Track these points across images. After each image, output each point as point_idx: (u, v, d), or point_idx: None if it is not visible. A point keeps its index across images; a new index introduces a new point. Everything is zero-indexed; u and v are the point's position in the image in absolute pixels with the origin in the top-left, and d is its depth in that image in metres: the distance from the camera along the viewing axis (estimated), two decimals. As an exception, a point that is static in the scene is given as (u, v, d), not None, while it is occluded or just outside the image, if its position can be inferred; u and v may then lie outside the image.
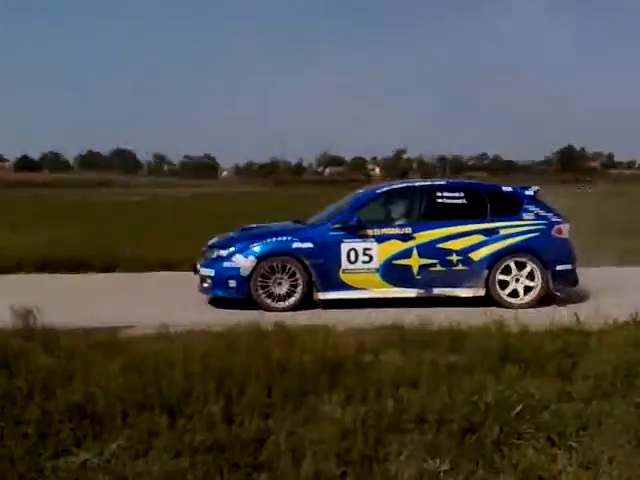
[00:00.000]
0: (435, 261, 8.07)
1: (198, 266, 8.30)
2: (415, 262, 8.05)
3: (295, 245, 7.99)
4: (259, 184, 76.65)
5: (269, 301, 7.91)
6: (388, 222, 8.43)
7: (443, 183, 8.86)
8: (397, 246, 8.07)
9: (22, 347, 5.32)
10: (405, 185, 9.01)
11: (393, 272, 8.04)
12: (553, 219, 8.47)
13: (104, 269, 11.11)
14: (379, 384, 4.45)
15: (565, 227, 8.47)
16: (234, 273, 7.88)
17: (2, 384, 4.48)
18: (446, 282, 8.11)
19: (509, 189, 8.77)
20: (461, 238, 8.15)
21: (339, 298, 8.00)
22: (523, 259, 8.18)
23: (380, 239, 8.07)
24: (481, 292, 8.14)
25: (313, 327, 6.09)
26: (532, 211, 8.48)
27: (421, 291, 8.11)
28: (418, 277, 8.05)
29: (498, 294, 8.12)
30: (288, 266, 7.91)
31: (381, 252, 8.03)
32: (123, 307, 7.75)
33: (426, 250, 8.05)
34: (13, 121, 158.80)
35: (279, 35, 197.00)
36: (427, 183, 8.74)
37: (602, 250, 11.31)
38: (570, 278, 8.34)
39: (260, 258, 7.90)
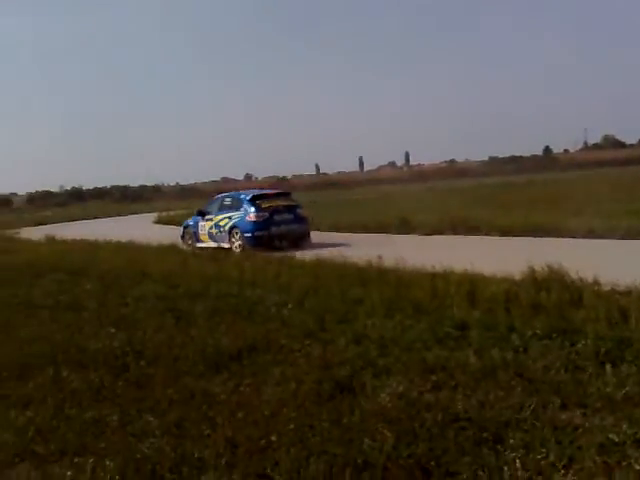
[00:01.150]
0: (218, 230, 17.51)
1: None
2: (213, 230, 17.68)
3: (187, 223, 19.52)
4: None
5: (189, 243, 18.51)
6: (209, 212, 18.28)
7: (227, 194, 19.18)
8: (210, 223, 17.93)
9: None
10: (216, 196, 19.52)
11: (210, 235, 17.86)
12: (250, 211, 16.81)
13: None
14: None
15: (254, 215, 16.69)
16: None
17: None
18: (222, 240, 17.28)
19: (238, 194, 18.38)
20: (224, 219, 17.37)
21: (201, 247, 17.67)
22: (237, 229, 16.82)
23: (208, 220, 18.09)
24: (228, 245, 16.86)
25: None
26: (245, 207, 17.03)
27: (216, 244, 17.44)
28: (215, 237, 17.61)
29: (233, 244, 16.76)
30: (188, 231, 18.94)
31: (207, 225, 18.01)
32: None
33: (216, 225, 17.60)
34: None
35: None
36: (221, 195, 19.26)
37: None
38: (258, 240, 16.33)
39: (184, 227, 19.48)
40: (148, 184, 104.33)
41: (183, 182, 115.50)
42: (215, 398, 4.67)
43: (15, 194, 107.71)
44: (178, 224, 31.02)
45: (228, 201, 17.92)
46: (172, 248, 16.24)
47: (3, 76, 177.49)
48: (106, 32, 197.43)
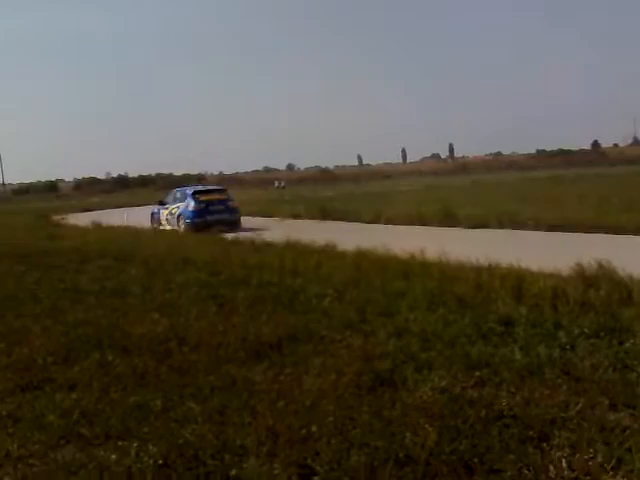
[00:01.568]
0: (171, 216, 22.22)
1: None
2: (169, 217, 22.44)
3: (153, 210, 24.30)
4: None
5: (155, 226, 23.30)
6: (167, 203, 23.18)
7: (178, 189, 23.92)
8: (166, 211, 22.80)
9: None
10: (172, 190, 24.29)
11: (167, 220, 22.55)
12: (190, 202, 21.49)
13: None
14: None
15: (193, 206, 21.39)
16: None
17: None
18: (173, 224, 21.93)
19: (185, 189, 23.12)
20: (174, 208, 22.23)
21: (162, 229, 22.07)
22: (182, 216, 21.67)
23: (165, 208, 22.98)
24: (177, 227, 21.52)
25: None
26: (188, 199, 21.79)
27: (170, 227, 21.93)
28: (169, 222, 22.28)
29: (180, 227, 21.22)
30: (154, 217, 23.91)
31: (165, 213, 22.90)
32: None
33: (170, 213, 22.31)
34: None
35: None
36: (175, 189, 24.19)
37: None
38: (196, 225, 20.65)
39: (151, 214, 24.28)
40: (192, 173, 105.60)
41: (226, 171, 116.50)
42: (256, 386, 4.68)
43: (62, 180, 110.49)
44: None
45: (178, 195, 22.84)
46: (214, 236, 16.39)
47: (53, 65, 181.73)
48: (168, 23, 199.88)
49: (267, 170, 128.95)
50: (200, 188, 24.50)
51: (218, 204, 21.93)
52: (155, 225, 23.26)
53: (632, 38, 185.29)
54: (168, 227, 22.14)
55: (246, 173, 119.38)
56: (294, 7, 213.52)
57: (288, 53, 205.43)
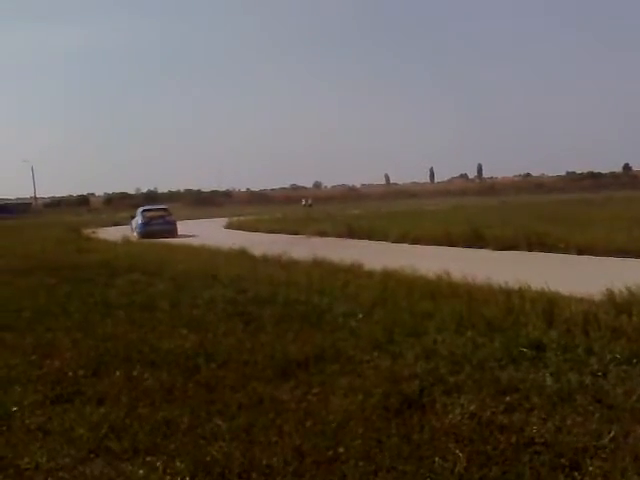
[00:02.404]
0: (133, 226, 32.18)
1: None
2: (133, 226, 32.12)
3: (130, 222, 33.59)
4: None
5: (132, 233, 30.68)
6: (134, 217, 32.94)
7: (141, 207, 34.07)
8: (132, 222, 32.70)
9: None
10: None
11: (132, 228, 31.76)
12: (139, 217, 31.84)
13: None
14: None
15: (140, 220, 31.45)
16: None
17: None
18: (135, 231, 30.82)
19: (138, 208, 34.21)
20: (134, 220, 32.70)
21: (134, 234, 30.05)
22: (135, 227, 31.85)
23: (133, 221, 32.81)
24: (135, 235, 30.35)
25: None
26: (138, 215, 32.71)
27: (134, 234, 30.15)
28: (133, 230, 31.21)
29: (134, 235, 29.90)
30: (130, 227, 32.64)
31: (132, 223, 32.71)
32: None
33: (133, 223, 32.45)
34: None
35: None
36: (139, 208, 33.89)
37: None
38: (142, 234, 29.44)
39: (130, 224, 33.43)
40: (219, 189, 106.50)
41: (253, 188, 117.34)
42: (283, 405, 4.67)
43: (93, 194, 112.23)
44: (248, 229, 31.79)
45: (138, 212, 32.74)
46: (241, 253, 16.47)
47: (83, 77, 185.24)
48: (190, 40, 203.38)
49: (294, 188, 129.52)
50: (147, 207, 34.64)
51: (159, 219, 31.94)
52: (132, 233, 30.70)
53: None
54: (134, 234, 30.11)
55: (273, 190, 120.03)
56: (328, 19, 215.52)
57: (315, 68, 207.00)
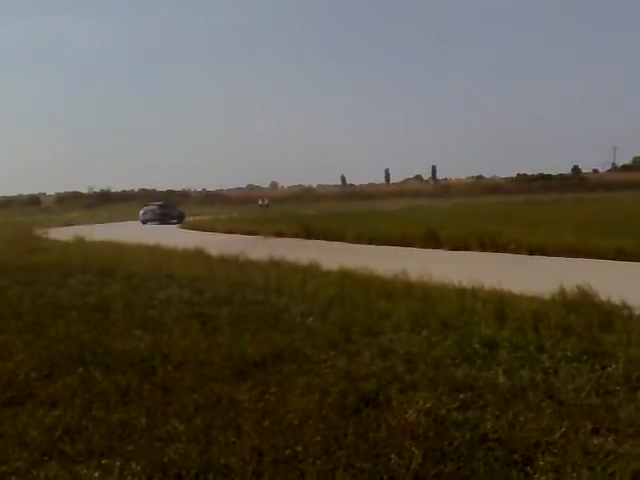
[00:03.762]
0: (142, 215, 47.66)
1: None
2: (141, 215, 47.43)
3: (139, 213, 47.03)
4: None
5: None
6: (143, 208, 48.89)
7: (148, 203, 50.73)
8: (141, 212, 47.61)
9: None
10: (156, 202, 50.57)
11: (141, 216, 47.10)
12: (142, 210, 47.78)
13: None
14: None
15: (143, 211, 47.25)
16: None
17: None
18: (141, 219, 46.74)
19: (146, 204, 50.45)
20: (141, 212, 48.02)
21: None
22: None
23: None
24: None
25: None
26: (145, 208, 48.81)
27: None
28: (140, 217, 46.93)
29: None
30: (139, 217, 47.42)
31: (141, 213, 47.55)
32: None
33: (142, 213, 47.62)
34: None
35: None
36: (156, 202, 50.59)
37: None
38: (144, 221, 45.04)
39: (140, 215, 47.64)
40: (175, 189, 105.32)
41: (210, 188, 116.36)
42: (241, 405, 4.66)
43: (44, 194, 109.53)
44: (204, 230, 31.51)
45: (144, 206, 47.40)
46: (198, 253, 16.34)
47: (36, 77, 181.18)
48: (147, 40, 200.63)
49: (251, 188, 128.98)
50: (150, 203, 49.08)
51: (158, 211, 45.75)
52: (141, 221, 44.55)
53: (613, 71, 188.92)
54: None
55: (230, 190, 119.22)
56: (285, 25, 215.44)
57: (273, 71, 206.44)
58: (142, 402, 4.79)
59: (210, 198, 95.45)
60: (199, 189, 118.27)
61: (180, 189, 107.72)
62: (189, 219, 43.04)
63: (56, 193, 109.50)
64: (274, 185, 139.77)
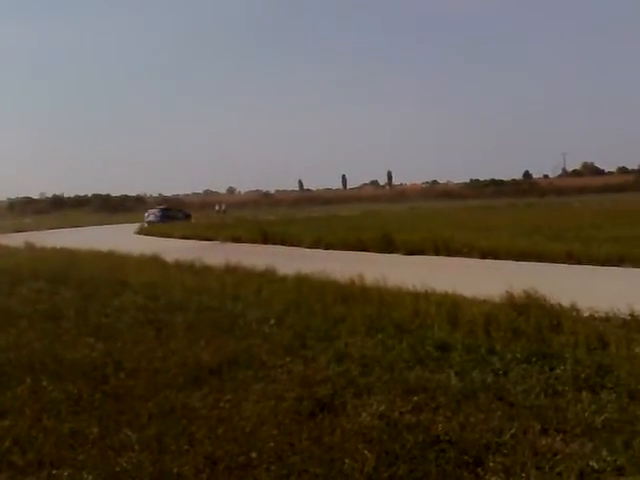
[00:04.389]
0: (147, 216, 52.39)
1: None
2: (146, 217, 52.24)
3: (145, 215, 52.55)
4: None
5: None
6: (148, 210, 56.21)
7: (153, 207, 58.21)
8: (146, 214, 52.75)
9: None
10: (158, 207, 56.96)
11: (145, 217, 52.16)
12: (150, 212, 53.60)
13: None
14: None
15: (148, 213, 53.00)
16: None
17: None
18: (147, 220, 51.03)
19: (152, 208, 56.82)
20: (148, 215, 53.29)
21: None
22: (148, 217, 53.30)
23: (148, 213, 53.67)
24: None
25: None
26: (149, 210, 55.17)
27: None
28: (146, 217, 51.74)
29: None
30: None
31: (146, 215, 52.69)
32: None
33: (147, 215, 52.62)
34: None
35: None
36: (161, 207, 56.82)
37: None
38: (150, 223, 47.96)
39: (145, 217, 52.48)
40: (130, 194, 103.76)
41: (166, 193, 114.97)
42: (195, 413, 4.63)
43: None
44: (160, 235, 31.12)
45: (150, 210, 53.37)
46: (153, 259, 16.13)
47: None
48: (91, 43, 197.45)
49: (208, 193, 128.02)
50: (157, 207, 54.58)
51: (163, 213, 50.54)
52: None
53: (563, 80, 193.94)
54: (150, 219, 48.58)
55: (186, 196, 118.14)
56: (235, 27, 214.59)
57: (230, 72, 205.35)
58: (94, 411, 4.72)
59: (166, 203, 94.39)
60: (155, 194, 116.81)
61: (135, 194, 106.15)
62: (144, 225, 42.44)
63: (7, 199, 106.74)
64: (231, 191, 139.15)
